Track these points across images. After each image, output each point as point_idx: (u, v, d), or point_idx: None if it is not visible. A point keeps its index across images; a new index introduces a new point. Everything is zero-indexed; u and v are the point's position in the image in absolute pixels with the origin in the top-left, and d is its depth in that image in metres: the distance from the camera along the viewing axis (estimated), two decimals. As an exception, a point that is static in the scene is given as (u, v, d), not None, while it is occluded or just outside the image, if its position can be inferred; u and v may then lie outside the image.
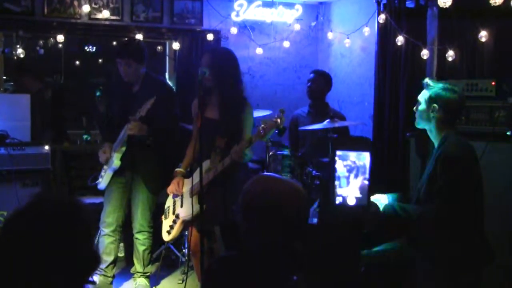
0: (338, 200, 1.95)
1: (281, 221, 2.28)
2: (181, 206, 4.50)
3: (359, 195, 2.26)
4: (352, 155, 2.01)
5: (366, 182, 2.03)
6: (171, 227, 4.54)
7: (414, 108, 3.85)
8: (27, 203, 1.83)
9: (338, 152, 1.86)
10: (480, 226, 3.63)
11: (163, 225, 4.67)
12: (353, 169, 2.27)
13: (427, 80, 3.83)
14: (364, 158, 2.00)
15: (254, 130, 4.16)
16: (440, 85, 3.73)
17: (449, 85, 3.73)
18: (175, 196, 4.61)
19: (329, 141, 5.38)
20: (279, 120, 3.89)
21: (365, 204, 1.81)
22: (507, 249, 4.57)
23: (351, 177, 2.36)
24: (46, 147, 5.73)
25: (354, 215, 1.88)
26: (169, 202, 4.69)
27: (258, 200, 2.32)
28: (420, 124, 3.82)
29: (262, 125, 3.94)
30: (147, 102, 4.54)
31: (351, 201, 1.96)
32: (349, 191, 2.20)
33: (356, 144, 2.00)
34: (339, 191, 2.36)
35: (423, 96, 3.77)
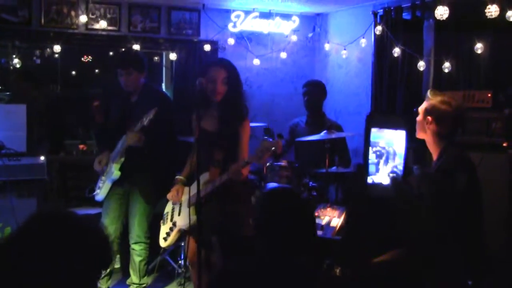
0: (370, 181, 1.93)
1: (286, 235, 2.27)
2: (179, 214, 4.50)
3: (388, 181, 2.25)
4: (382, 141, 1.99)
5: (397, 169, 2.02)
6: (168, 234, 4.53)
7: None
8: (25, 222, 1.81)
9: (373, 130, 1.82)
10: (479, 237, 3.63)
11: (160, 230, 4.67)
12: (382, 155, 2.23)
13: (428, 92, 3.83)
14: (392, 144, 1.98)
15: (251, 143, 4.19)
16: (439, 98, 3.72)
17: (447, 98, 3.72)
18: (174, 202, 4.61)
19: (326, 152, 5.40)
20: (276, 146, 3.93)
21: (399, 184, 1.81)
22: (503, 259, 4.56)
23: (380, 164, 2.33)
24: (42, 158, 5.71)
25: (387, 195, 1.87)
26: (168, 208, 4.68)
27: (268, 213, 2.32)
28: (419, 135, 3.81)
29: (261, 148, 3.95)
30: (149, 113, 4.53)
31: (385, 181, 1.96)
32: (378, 178, 2.18)
33: (392, 122, 1.98)
34: (368, 178, 2.36)
35: (421, 107, 3.77)
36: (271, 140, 4.07)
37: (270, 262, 2.26)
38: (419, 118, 3.76)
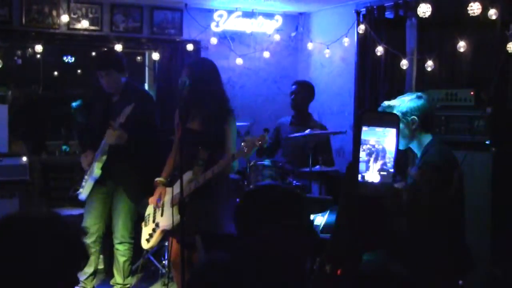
0: (360, 178, 1.95)
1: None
2: (162, 215, 4.48)
3: (379, 179, 2.27)
4: (372, 139, 1.99)
5: (387, 167, 2.03)
6: (151, 235, 4.51)
7: None
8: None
9: (364, 128, 1.82)
10: (460, 234, 3.64)
11: (142, 232, 4.64)
12: (373, 153, 2.23)
13: (385, 104, 3.80)
14: (383, 142, 1.98)
15: (238, 141, 4.19)
16: (403, 99, 3.71)
17: (411, 95, 3.72)
18: (157, 206, 4.59)
19: (309, 152, 5.40)
20: (262, 140, 3.96)
21: (389, 182, 1.81)
22: (486, 257, 4.59)
23: (370, 162, 2.34)
24: (24, 158, 5.66)
25: (377, 193, 1.86)
26: (149, 210, 4.66)
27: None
28: (403, 145, 3.77)
29: (246, 143, 3.98)
30: (126, 109, 4.53)
31: (375, 179, 1.98)
32: (368, 176, 2.20)
33: (384, 120, 1.97)
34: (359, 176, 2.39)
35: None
36: (251, 137, 4.09)
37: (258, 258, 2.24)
38: (400, 127, 3.70)
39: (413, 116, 3.64)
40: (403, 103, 3.68)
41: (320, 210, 5.16)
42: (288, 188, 2.44)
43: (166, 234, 4.54)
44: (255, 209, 2.29)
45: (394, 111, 3.69)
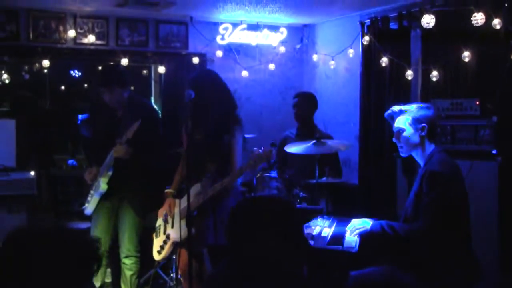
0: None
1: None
2: (172, 226, 4.49)
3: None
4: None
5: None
6: (162, 247, 4.53)
7: (395, 138, 3.80)
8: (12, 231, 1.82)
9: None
10: (468, 243, 3.64)
11: (154, 243, 4.66)
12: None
13: (397, 107, 3.82)
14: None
15: (245, 155, 4.21)
16: (414, 105, 3.76)
17: (421, 104, 3.79)
18: (166, 215, 4.60)
19: (316, 162, 5.40)
20: (269, 155, 3.99)
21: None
22: (494, 267, 4.58)
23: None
24: (32, 173, 5.68)
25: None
26: (160, 221, 4.67)
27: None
28: (406, 152, 3.78)
29: (254, 157, 4.01)
30: (133, 125, 4.54)
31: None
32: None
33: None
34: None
35: (403, 122, 3.73)
36: (261, 151, 4.11)
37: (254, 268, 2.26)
38: (407, 132, 3.72)
39: (424, 124, 3.68)
40: (415, 109, 3.73)
41: (309, 220, 5.14)
42: (277, 198, 2.47)
43: (175, 246, 4.56)
44: (245, 219, 2.32)
45: (406, 115, 3.74)
